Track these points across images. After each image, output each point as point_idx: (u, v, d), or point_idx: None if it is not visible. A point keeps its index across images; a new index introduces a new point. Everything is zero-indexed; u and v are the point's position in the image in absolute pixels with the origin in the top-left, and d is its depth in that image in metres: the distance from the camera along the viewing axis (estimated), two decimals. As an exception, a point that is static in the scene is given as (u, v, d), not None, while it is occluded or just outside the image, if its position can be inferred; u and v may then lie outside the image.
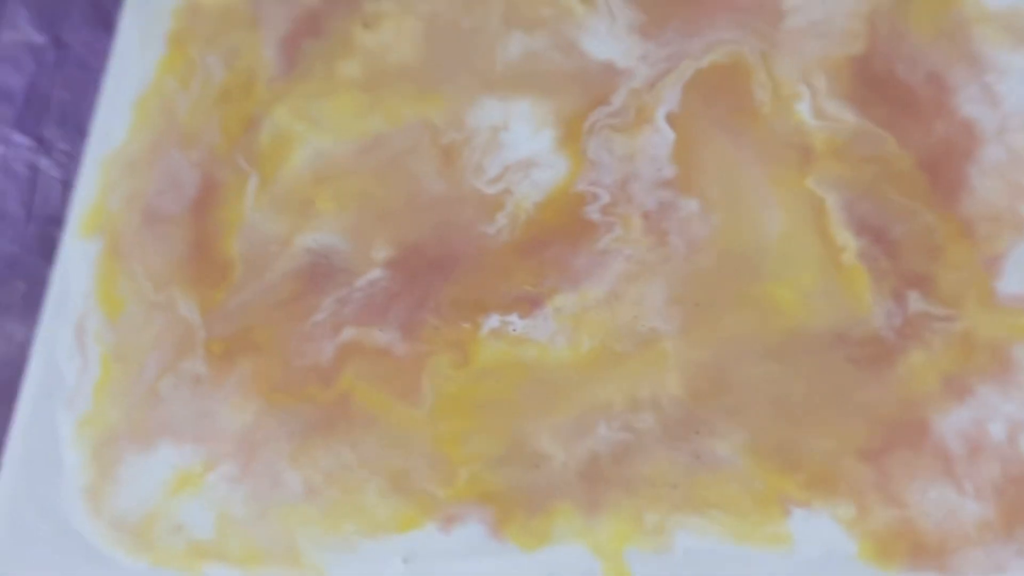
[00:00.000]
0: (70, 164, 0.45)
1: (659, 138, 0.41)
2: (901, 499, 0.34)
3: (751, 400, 0.37)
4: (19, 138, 0.47)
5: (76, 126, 0.46)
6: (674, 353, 0.38)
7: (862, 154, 0.39)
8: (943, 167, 0.38)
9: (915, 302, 0.37)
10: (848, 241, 0.38)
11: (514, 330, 0.39)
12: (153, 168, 0.44)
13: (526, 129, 0.42)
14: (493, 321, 0.39)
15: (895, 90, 0.40)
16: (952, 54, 0.40)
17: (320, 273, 0.41)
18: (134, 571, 0.38)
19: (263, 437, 0.39)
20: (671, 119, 0.41)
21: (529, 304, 0.39)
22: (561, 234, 0.40)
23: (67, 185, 0.45)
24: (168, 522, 0.39)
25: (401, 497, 0.37)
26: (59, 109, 0.47)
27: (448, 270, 0.40)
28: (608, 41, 0.43)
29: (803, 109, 0.40)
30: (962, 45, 0.40)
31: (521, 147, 0.42)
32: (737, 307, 0.38)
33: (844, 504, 0.35)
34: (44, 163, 0.46)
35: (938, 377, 0.36)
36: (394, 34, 0.45)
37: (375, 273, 0.41)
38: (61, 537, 0.39)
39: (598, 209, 0.40)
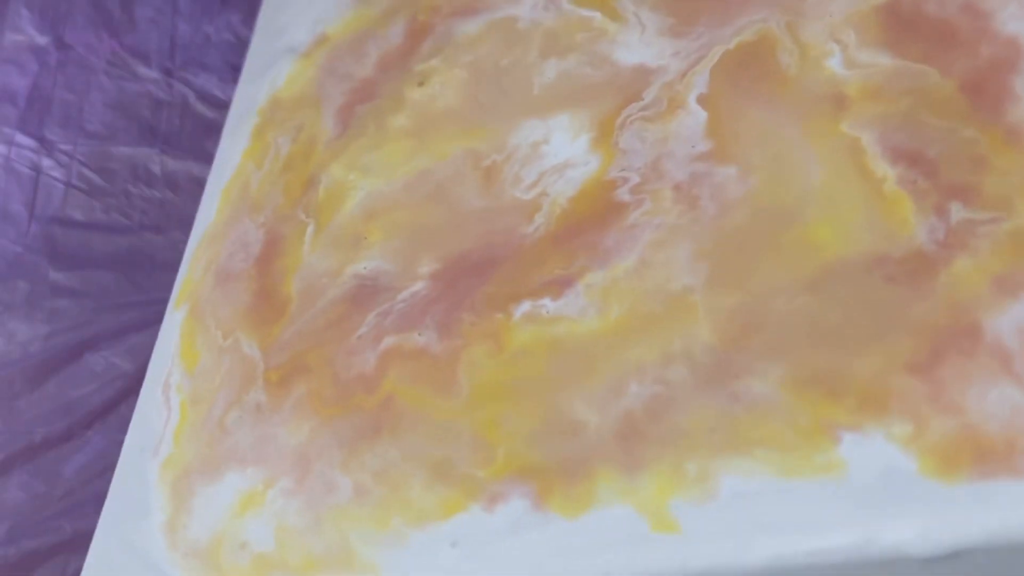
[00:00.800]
0: (71, 164, 0.45)
1: (692, 119, 0.40)
2: (960, 407, 0.31)
3: (787, 335, 0.35)
4: (22, 139, 0.48)
5: (78, 127, 0.46)
6: (703, 303, 0.36)
7: (900, 89, 0.37)
8: (988, 85, 0.36)
9: (957, 212, 0.34)
10: (886, 172, 0.36)
11: (546, 312, 0.39)
12: (227, 237, 0.47)
13: (565, 138, 0.43)
14: (525, 307, 0.39)
15: (930, 27, 0.39)
16: None
17: (365, 294, 0.42)
18: None
19: (317, 450, 0.40)
20: (702, 100, 0.41)
21: (559, 286, 0.39)
22: (592, 220, 0.40)
23: (69, 185, 0.44)
24: (234, 542, 0.40)
25: (444, 484, 0.37)
26: (61, 110, 0.48)
27: (487, 272, 0.41)
28: (639, 48, 0.43)
29: (834, 64, 0.39)
30: None
31: (560, 154, 0.42)
32: (769, 253, 0.36)
33: (898, 422, 0.32)
34: (46, 163, 0.46)
35: (987, 279, 0.33)
36: (440, 85, 0.47)
37: (417, 286, 0.42)
38: (143, 571, 0.41)
39: (628, 190, 0.40)
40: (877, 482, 0.31)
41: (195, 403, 0.44)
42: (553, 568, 0.34)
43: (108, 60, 0.50)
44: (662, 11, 0.44)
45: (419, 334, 0.40)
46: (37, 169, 0.48)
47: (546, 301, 0.39)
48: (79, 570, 0.45)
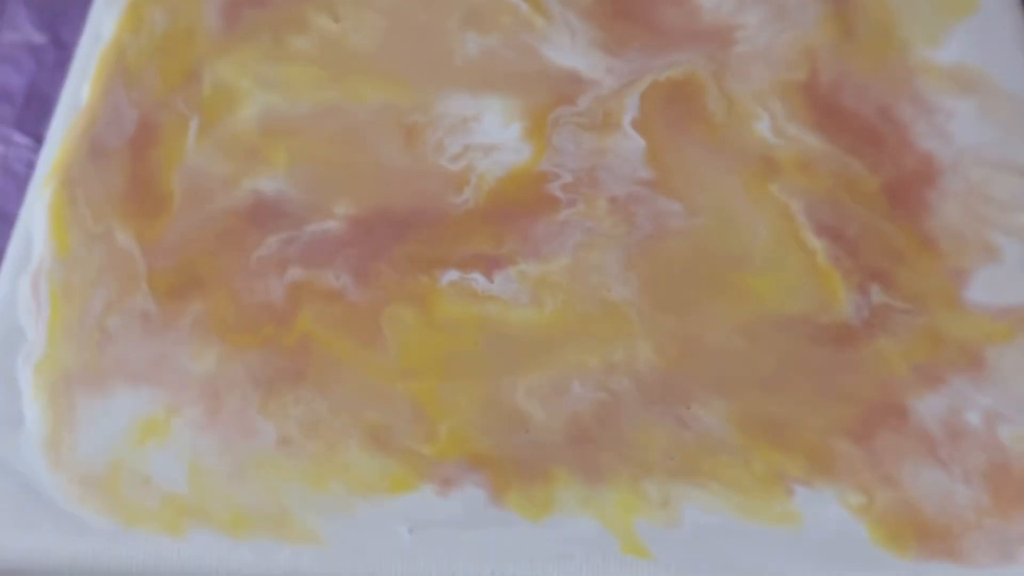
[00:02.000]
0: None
1: (630, 143, 0.40)
2: (897, 481, 0.34)
3: (725, 372, 0.36)
4: (20, 138, 0.46)
5: None
6: (640, 319, 0.37)
7: (826, 170, 0.40)
8: (908, 193, 0.39)
9: (876, 295, 0.37)
10: (815, 243, 0.38)
11: (479, 288, 0.38)
12: (101, 107, 0.42)
13: (496, 121, 0.41)
14: (452, 275, 0.38)
15: (849, 119, 0.41)
16: (896, 92, 0.41)
17: (265, 214, 0.39)
18: (105, 532, 0.33)
19: (228, 383, 0.36)
20: (636, 125, 0.41)
21: (489, 264, 0.38)
22: (522, 206, 0.39)
23: None
24: (135, 474, 0.35)
25: (385, 454, 0.35)
26: None
27: (408, 231, 0.39)
28: (571, 53, 0.43)
29: (763, 128, 0.41)
30: (905, 86, 0.41)
31: (489, 136, 0.41)
32: (707, 289, 0.37)
33: (848, 487, 0.33)
34: None
35: (908, 365, 0.35)
36: (354, 24, 0.44)
37: (328, 224, 0.39)
38: (22, 493, 0.34)
39: (560, 187, 0.40)
40: (833, 542, 0.33)
41: (67, 296, 0.38)
42: (517, 571, 0.33)
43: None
44: (593, 22, 0.44)
45: (334, 275, 0.38)
46: (34, 168, 0.45)
47: (477, 276, 0.38)
48: None
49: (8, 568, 0.33)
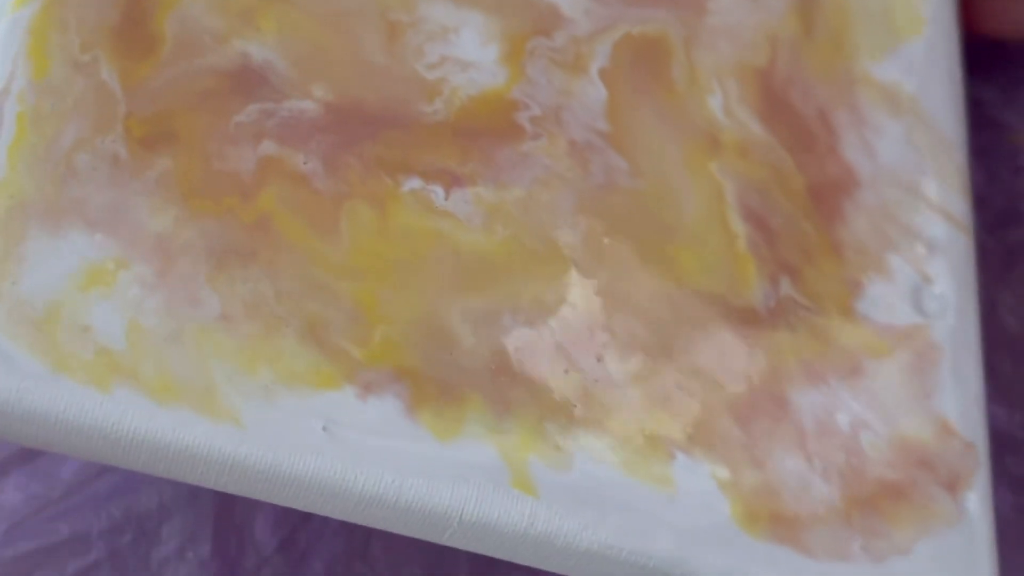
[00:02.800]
0: None
1: (594, 91, 0.41)
2: (764, 464, 0.36)
3: (638, 333, 0.37)
4: None
5: None
6: (578, 265, 0.38)
7: (762, 160, 0.41)
8: (826, 199, 0.41)
9: (785, 287, 0.39)
10: (739, 228, 0.39)
11: (436, 201, 0.38)
12: None
13: (474, 39, 0.41)
14: (414, 183, 0.38)
15: (792, 115, 0.42)
16: (837, 98, 0.43)
17: (250, 80, 0.38)
18: (33, 373, 0.32)
19: (181, 246, 0.35)
20: (603, 75, 0.41)
21: (451, 179, 0.38)
22: (489, 128, 0.40)
23: None
24: (74, 320, 0.33)
25: (317, 348, 0.35)
26: None
27: (379, 130, 0.39)
28: None
29: (714, 104, 0.42)
30: (846, 94, 0.43)
31: (466, 52, 0.41)
32: (639, 251, 0.38)
33: (720, 463, 0.36)
34: None
35: (797, 359, 0.38)
36: None
37: (306, 104, 0.38)
38: None
39: (528, 119, 0.40)
40: (698, 509, 0.35)
41: (38, 120, 0.36)
42: (415, 485, 0.33)
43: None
44: None
45: (304, 160, 0.37)
46: None
47: (437, 188, 0.38)
48: (78, 572, 0.42)
49: None
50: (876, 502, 0.36)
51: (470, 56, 0.41)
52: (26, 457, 0.44)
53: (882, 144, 0.43)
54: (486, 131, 0.40)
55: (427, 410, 0.35)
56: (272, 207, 0.37)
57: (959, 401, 0.39)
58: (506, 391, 0.36)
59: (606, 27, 0.42)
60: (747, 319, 0.38)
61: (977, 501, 0.38)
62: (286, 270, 0.36)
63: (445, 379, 0.35)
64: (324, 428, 0.34)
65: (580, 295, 0.37)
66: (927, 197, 0.42)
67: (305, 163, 0.37)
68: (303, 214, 0.37)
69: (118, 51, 0.38)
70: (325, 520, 0.46)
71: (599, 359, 0.37)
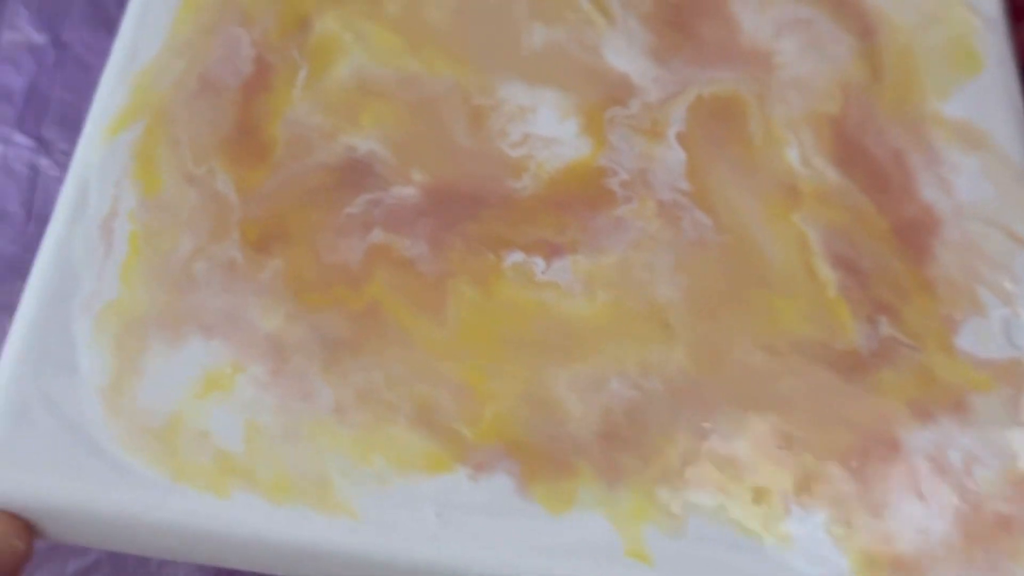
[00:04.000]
0: (69, 164, 0.43)
1: (673, 155, 0.41)
2: (880, 511, 0.35)
3: (746, 387, 0.37)
4: (20, 138, 0.46)
5: (76, 126, 0.44)
6: (680, 321, 0.38)
7: (844, 204, 0.41)
8: (913, 239, 0.41)
9: (884, 327, 0.38)
10: (829, 275, 0.39)
11: (538, 272, 0.38)
12: (209, 45, 0.41)
13: (552, 115, 0.42)
14: (516, 257, 0.38)
15: (868, 159, 0.42)
16: (910, 139, 0.43)
17: (358, 172, 0.40)
18: (153, 483, 0.33)
19: (295, 342, 0.36)
20: (680, 138, 0.42)
21: (550, 249, 0.39)
22: (582, 197, 0.40)
23: None
24: (193, 427, 0.34)
25: (429, 431, 0.35)
26: (59, 109, 0.46)
27: (476, 208, 0.39)
28: (626, 57, 0.44)
29: (791, 155, 0.42)
30: (919, 135, 0.43)
31: (546, 128, 0.42)
32: (737, 302, 0.39)
33: (835, 513, 0.35)
34: (44, 163, 0.45)
35: (905, 399, 0.37)
36: None
37: (408, 190, 0.39)
38: (71, 437, 0.33)
39: (618, 183, 0.41)
40: (815, 565, 0.34)
41: (152, 236, 0.37)
42: (531, 563, 0.33)
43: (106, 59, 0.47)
44: (649, 28, 0.44)
45: (411, 243, 0.38)
46: (35, 169, 0.45)
47: (538, 260, 0.38)
48: (78, 572, 0.42)
49: (47, 508, 0.33)
50: (995, 537, 0.36)
51: (551, 132, 0.42)
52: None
53: (960, 181, 0.42)
54: (579, 199, 0.40)
55: (539, 485, 0.35)
56: (380, 293, 0.37)
57: None
58: (616, 457, 0.35)
59: (676, 92, 0.43)
60: (851, 364, 0.38)
61: None
62: (395, 355, 0.36)
63: (555, 451, 0.35)
64: (437, 514, 0.34)
65: (684, 353, 0.38)
66: (1009, 229, 0.42)
67: (412, 247, 0.38)
68: (410, 297, 0.37)
69: (233, 161, 0.39)
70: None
71: (707, 417, 0.36)
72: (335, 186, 0.39)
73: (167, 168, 0.39)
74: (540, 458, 0.35)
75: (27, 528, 0.33)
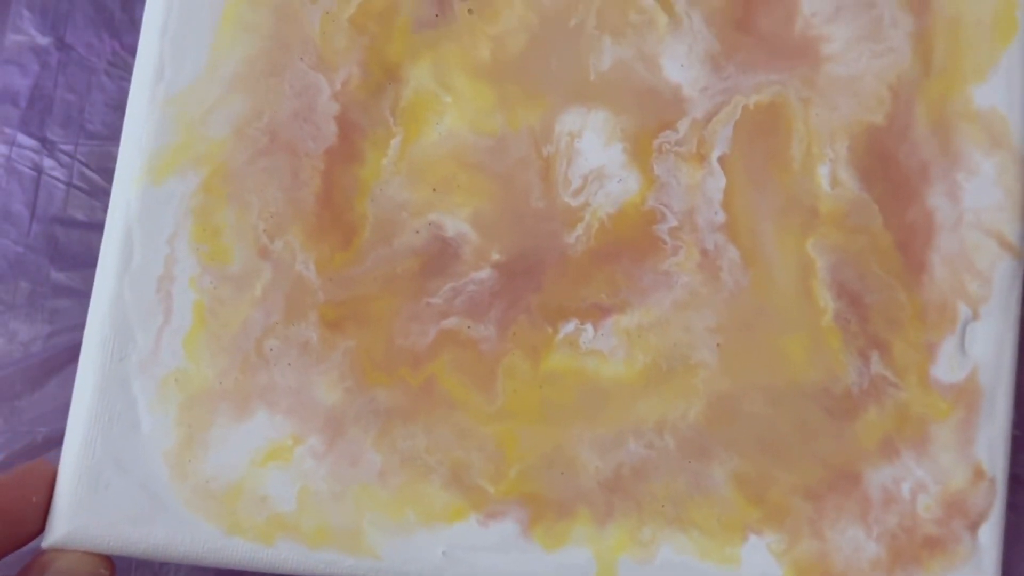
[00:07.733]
0: (72, 165, 0.43)
1: (713, 182, 0.40)
2: (824, 535, 0.37)
3: (746, 435, 0.38)
4: (23, 139, 0.45)
5: (79, 127, 0.44)
6: (704, 382, 0.39)
7: (856, 224, 0.40)
8: (911, 250, 0.40)
9: (875, 364, 0.39)
10: (828, 303, 0.39)
11: (585, 340, 0.39)
12: (277, 84, 0.37)
13: (597, 139, 0.40)
14: (570, 327, 0.39)
15: (894, 170, 0.40)
16: (940, 148, 0.41)
17: (445, 257, 0.38)
18: (211, 536, 0.36)
19: (352, 416, 0.37)
20: (723, 162, 0.40)
21: (601, 313, 0.39)
22: (631, 248, 0.39)
23: (70, 185, 0.41)
24: (253, 493, 0.37)
25: (458, 489, 0.37)
26: (63, 110, 0.45)
27: (538, 275, 0.39)
28: (682, 66, 0.40)
29: (823, 173, 0.40)
30: (949, 140, 0.41)
31: (591, 156, 0.40)
32: (757, 352, 0.39)
33: (783, 537, 0.38)
34: (48, 164, 0.45)
35: (879, 437, 0.38)
36: (512, 22, 0.40)
37: (484, 273, 0.39)
38: (140, 493, 0.36)
39: (667, 231, 0.40)
40: None
41: (220, 309, 0.36)
42: None
43: (109, 60, 0.45)
44: (711, 26, 0.40)
45: (483, 327, 0.38)
46: (38, 169, 0.44)
47: (588, 327, 0.38)
48: None
49: (123, 552, 0.36)
50: (918, 555, 0.37)
51: (598, 159, 0.39)
52: (30, 455, 0.46)
53: (972, 185, 0.40)
54: (630, 249, 0.39)
55: (541, 528, 0.38)
56: (440, 371, 0.38)
57: (990, 438, 0.38)
58: (613, 502, 0.38)
59: (723, 103, 0.40)
60: (845, 407, 0.39)
61: (990, 532, 0.37)
62: (441, 423, 0.38)
63: (563, 500, 0.38)
64: (443, 553, 0.37)
65: (700, 410, 0.39)
66: (1002, 236, 0.40)
67: (484, 329, 0.38)
68: (466, 374, 0.38)
69: (314, 239, 0.37)
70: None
71: (707, 466, 0.38)
72: (419, 272, 0.38)
73: (235, 237, 0.37)
74: (549, 506, 0.37)
75: (109, 561, 0.37)
